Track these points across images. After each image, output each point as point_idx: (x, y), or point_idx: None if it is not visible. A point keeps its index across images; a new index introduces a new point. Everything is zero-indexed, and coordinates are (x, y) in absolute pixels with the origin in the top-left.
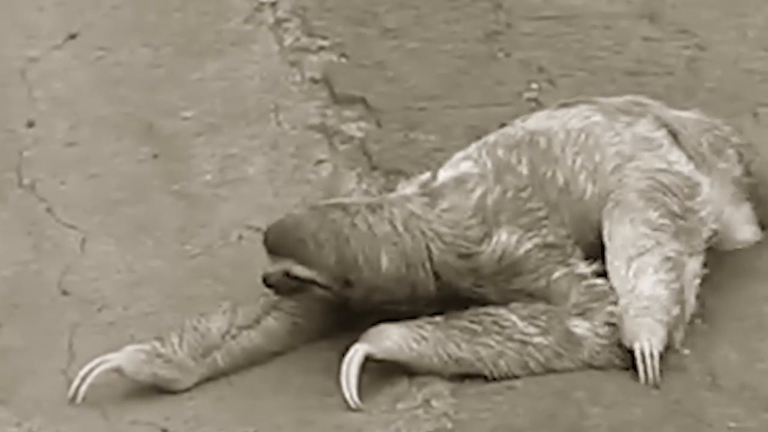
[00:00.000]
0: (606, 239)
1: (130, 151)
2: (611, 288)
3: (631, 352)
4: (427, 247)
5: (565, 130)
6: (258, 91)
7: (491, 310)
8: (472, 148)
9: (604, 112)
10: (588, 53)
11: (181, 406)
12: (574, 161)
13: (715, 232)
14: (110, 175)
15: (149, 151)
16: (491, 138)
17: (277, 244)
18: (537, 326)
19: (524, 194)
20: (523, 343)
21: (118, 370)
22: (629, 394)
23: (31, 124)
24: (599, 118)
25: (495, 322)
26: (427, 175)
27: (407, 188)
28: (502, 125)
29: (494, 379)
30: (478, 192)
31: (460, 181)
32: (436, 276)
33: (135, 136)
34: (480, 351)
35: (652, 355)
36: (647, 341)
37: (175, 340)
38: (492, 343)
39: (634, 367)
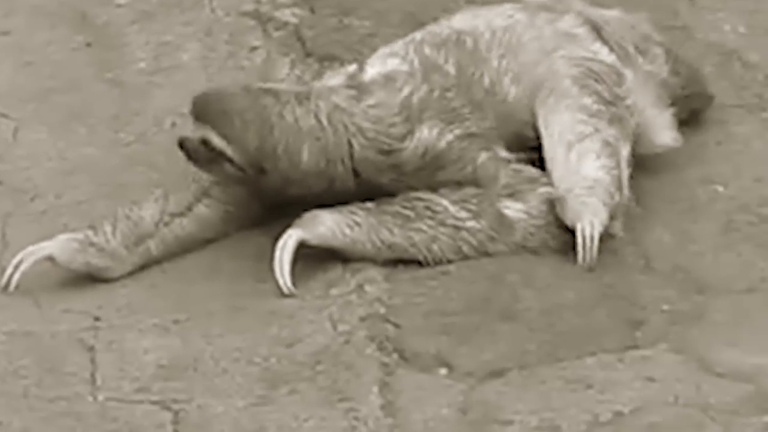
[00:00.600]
0: (542, 128)
1: (64, 39)
2: (539, 173)
3: (570, 232)
4: (349, 143)
5: (491, 30)
6: None
7: (423, 195)
8: (399, 44)
9: (526, 10)
10: None
11: (114, 295)
12: (499, 63)
13: (638, 126)
14: (44, 64)
15: (83, 40)
16: (417, 35)
17: (202, 110)
18: (468, 210)
19: (450, 94)
20: (456, 227)
21: (50, 259)
22: (562, 277)
23: None
24: (521, 16)
25: (427, 207)
26: (354, 67)
27: (334, 79)
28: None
29: (428, 264)
30: (406, 91)
31: (389, 78)
32: (356, 172)
33: (69, 25)
34: (413, 236)
35: (592, 237)
36: (589, 222)
37: (108, 228)
38: (425, 228)
39: (571, 250)
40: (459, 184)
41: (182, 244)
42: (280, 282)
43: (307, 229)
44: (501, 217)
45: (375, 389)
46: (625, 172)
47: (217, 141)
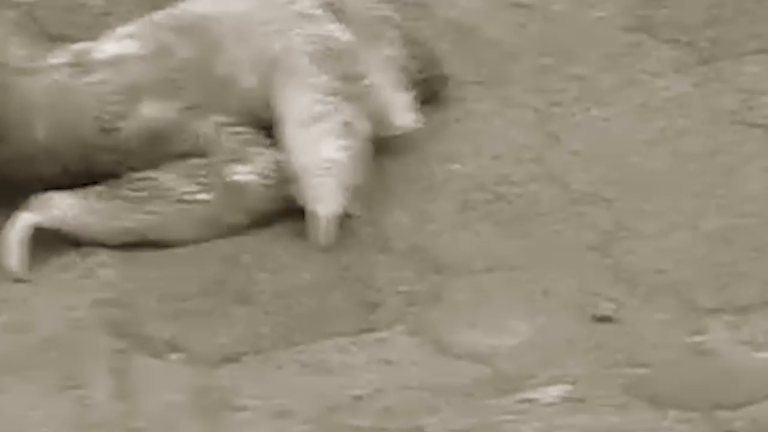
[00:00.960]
0: (278, 107)
1: None
2: (264, 138)
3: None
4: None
5: (229, 16)
6: None
7: (151, 173)
8: (138, 24)
9: None
10: None
11: None
12: (236, 50)
13: (378, 108)
14: None
15: None
16: (158, 17)
17: None
18: (198, 183)
19: (179, 76)
20: (188, 203)
21: None
22: (298, 258)
23: None
24: (257, 2)
25: (156, 187)
26: (83, 45)
27: (60, 57)
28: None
29: (165, 246)
30: (133, 72)
31: (118, 59)
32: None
33: None
34: (145, 218)
35: (328, 219)
36: (327, 203)
37: None
38: (156, 208)
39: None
40: (183, 157)
41: None
42: (12, 266)
43: (40, 211)
44: (231, 184)
45: (106, 376)
46: (363, 151)
47: None
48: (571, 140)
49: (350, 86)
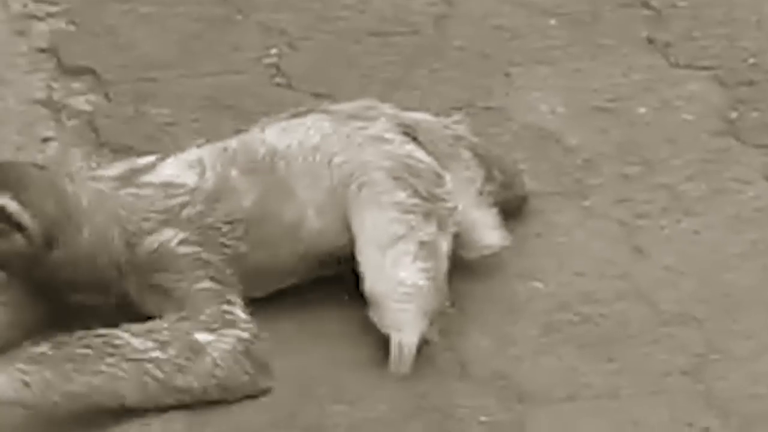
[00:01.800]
0: (354, 226)
1: None
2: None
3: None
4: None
5: (302, 152)
6: None
7: (103, 330)
8: (209, 150)
9: (335, 121)
10: (330, 14)
11: None
12: (305, 193)
13: (462, 230)
14: None
15: None
16: (232, 145)
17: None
18: (155, 341)
19: (226, 228)
20: (140, 361)
21: None
22: (374, 389)
23: None
24: (330, 128)
25: (106, 343)
26: (143, 160)
27: (115, 168)
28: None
29: (111, 410)
30: (177, 202)
31: (168, 186)
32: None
33: None
34: (92, 380)
35: (409, 348)
36: (407, 332)
37: None
38: (104, 367)
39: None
40: (165, 295)
41: None
42: None
43: None
44: (192, 344)
45: None
46: (443, 274)
47: (13, 207)
48: (659, 255)
49: (428, 203)
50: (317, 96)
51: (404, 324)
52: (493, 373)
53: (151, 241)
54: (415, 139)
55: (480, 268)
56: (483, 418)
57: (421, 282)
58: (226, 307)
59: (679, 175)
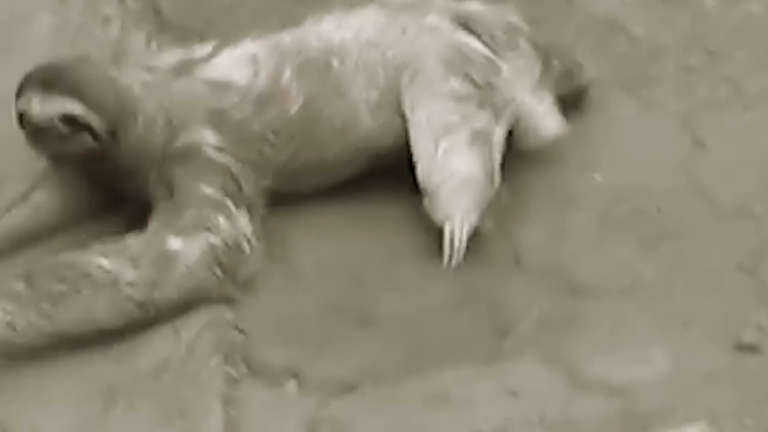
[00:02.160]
0: (408, 112)
1: None
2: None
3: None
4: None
5: (358, 46)
6: None
7: (77, 258)
8: (264, 46)
9: (390, 14)
10: None
11: None
12: (359, 92)
13: (520, 119)
14: None
15: None
16: (286, 41)
17: (58, 80)
18: (128, 257)
19: (270, 136)
20: (115, 284)
21: None
22: (426, 278)
23: None
24: (385, 21)
25: (79, 273)
26: (202, 51)
27: (172, 57)
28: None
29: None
30: (225, 103)
31: (219, 84)
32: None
33: None
34: (71, 315)
35: (460, 238)
36: (459, 222)
37: None
38: (80, 301)
39: (437, 248)
40: (167, 187)
41: (21, 236)
42: None
43: None
44: (163, 254)
45: (218, 405)
46: (497, 162)
47: (80, 110)
48: (719, 148)
49: (484, 93)
50: None
51: (456, 214)
52: (546, 266)
53: (187, 137)
54: (469, 29)
55: (538, 159)
56: (534, 312)
57: (474, 171)
58: (214, 214)
59: (743, 68)
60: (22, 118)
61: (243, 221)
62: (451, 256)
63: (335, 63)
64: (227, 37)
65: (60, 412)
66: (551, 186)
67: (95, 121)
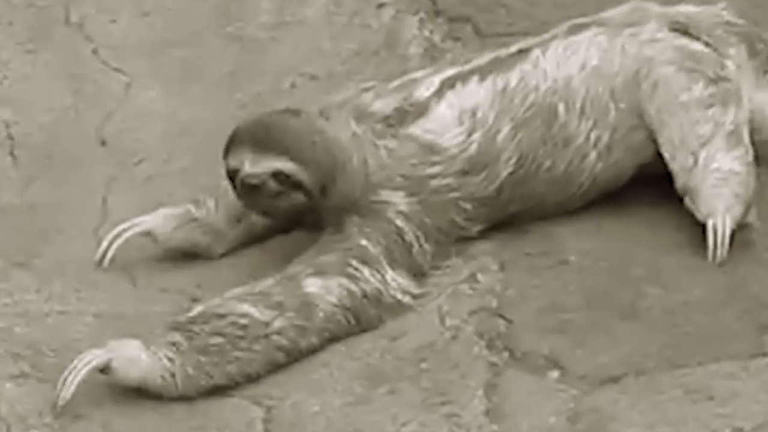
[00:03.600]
0: (655, 126)
1: None
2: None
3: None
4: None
5: (584, 82)
6: None
7: (222, 309)
8: (488, 90)
9: (609, 33)
10: None
11: (214, 273)
12: (586, 138)
13: (752, 113)
14: (161, 14)
15: None
16: (512, 84)
17: (268, 138)
18: (272, 305)
19: (468, 206)
20: (266, 336)
21: (149, 234)
22: (690, 272)
23: None
24: (606, 42)
25: (235, 324)
26: (422, 92)
27: (387, 99)
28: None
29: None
30: (429, 173)
31: (427, 148)
32: None
33: None
34: (229, 369)
35: (724, 233)
36: (722, 216)
37: (211, 203)
38: (238, 354)
39: (701, 242)
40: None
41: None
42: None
43: (120, 363)
44: (304, 298)
45: (480, 392)
46: (752, 156)
47: (291, 169)
48: None
49: (721, 84)
50: None
51: (719, 209)
52: None
53: (379, 195)
54: (687, 32)
55: None
56: None
57: (736, 167)
58: (361, 265)
59: None
60: (234, 177)
61: (394, 276)
62: (715, 251)
63: (561, 109)
64: (458, 68)
65: (324, 393)
66: None
67: (306, 177)
